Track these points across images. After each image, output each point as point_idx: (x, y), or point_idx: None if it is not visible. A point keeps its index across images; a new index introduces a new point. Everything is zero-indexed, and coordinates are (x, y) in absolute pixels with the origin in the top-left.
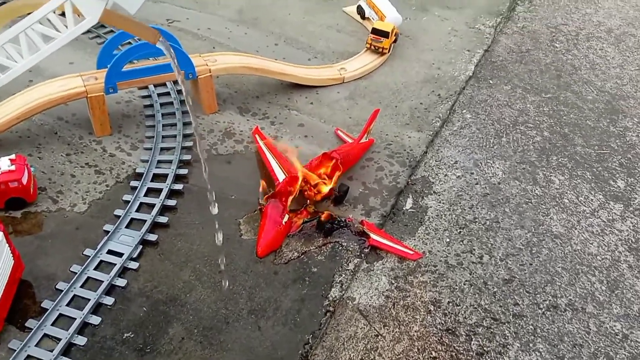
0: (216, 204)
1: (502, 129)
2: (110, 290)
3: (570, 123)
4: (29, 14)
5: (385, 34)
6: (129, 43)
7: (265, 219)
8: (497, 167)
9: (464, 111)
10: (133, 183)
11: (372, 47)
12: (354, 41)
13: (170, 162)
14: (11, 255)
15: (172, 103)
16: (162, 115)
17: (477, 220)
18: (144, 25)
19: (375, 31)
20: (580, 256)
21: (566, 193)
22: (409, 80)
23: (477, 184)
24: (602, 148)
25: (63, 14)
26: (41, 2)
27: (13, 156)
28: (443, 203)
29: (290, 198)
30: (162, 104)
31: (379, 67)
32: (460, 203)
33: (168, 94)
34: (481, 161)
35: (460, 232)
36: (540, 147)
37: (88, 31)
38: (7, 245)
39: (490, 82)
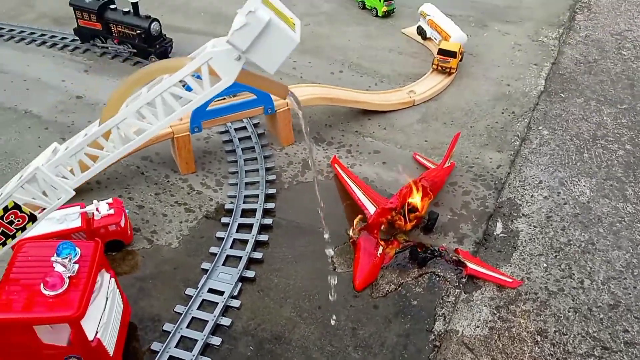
0: (332, 248)
1: (582, 144)
2: (216, 329)
3: None
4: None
5: (452, 54)
6: None
7: (359, 252)
8: (584, 185)
9: (540, 127)
10: (224, 219)
11: (439, 67)
12: (418, 62)
13: (256, 196)
14: (121, 300)
15: (249, 137)
16: (242, 150)
17: (571, 242)
18: (276, 81)
19: (442, 52)
20: None
21: None
22: (479, 99)
23: (565, 203)
24: None
25: None
26: (176, 66)
27: (110, 200)
28: (534, 226)
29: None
30: (240, 139)
31: (448, 88)
32: (551, 225)
33: (245, 128)
34: (566, 179)
35: (556, 256)
36: (625, 161)
37: None
38: (118, 290)
39: (562, 95)
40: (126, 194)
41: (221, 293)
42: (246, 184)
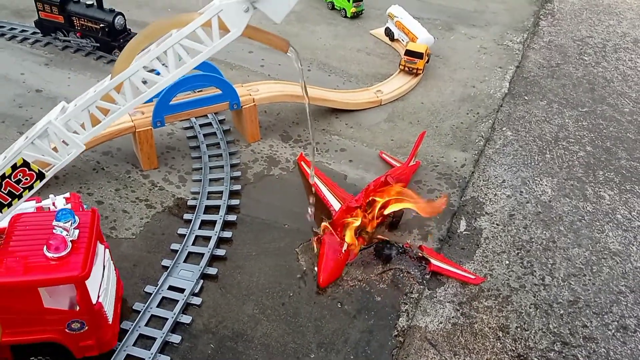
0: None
1: (544, 145)
2: (176, 327)
3: (611, 136)
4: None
5: (419, 55)
6: None
7: (324, 249)
8: (546, 185)
9: (504, 129)
10: (186, 216)
11: (406, 68)
12: (385, 63)
13: (220, 192)
14: (114, 272)
15: (215, 134)
16: (207, 146)
17: (533, 240)
18: (277, 35)
19: (408, 53)
20: None
21: (618, 208)
22: (445, 99)
23: (528, 202)
24: None
25: None
26: (186, 20)
27: (67, 194)
28: (497, 224)
29: (353, 227)
30: (205, 135)
31: (414, 88)
32: (514, 223)
33: (210, 124)
34: (529, 179)
35: (518, 253)
36: (585, 162)
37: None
38: (112, 262)
39: (526, 98)
40: (85, 189)
41: (182, 290)
42: (210, 180)
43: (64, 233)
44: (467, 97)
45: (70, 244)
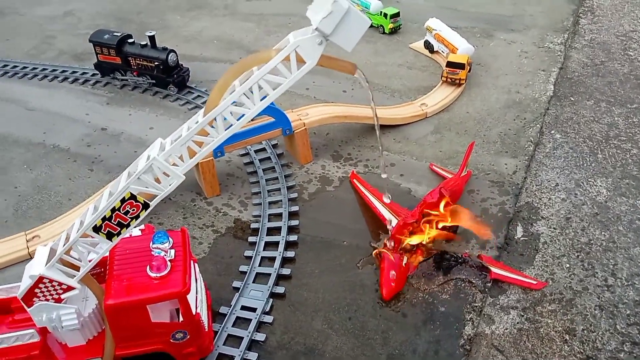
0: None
1: (595, 145)
2: (252, 345)
3: None
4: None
5: (460, 66)
6: None
7: (384, 263)
8: (600, 185)
9: (553, 131)
10: (251, 239)
11: (449, 79)
12: (427, 76)
13: (280, 215)
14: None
15: (269, 158)
16: (264, 170)
17: (592, 242)
18: (346, 61)
19: (450, 64)
20: None
21: None
22: (490, 107)
23: (583, 204)
24: None
25: None
26: (266, 57)
27: (142, 226)
28: (554, 228)
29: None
30: (260, 160)
31: (458, 98)
32: (571, 226)
33: (264, 149)
34: (582, 180)
35: (578, 255)
36: (639, 159)
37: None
38: (200, 275)
39: (572, 99)
40: (155, 219)
41: (254, 310)
42: (269, 203)
43: (163, 254)
44: (513, 103)
45: (169, 264)
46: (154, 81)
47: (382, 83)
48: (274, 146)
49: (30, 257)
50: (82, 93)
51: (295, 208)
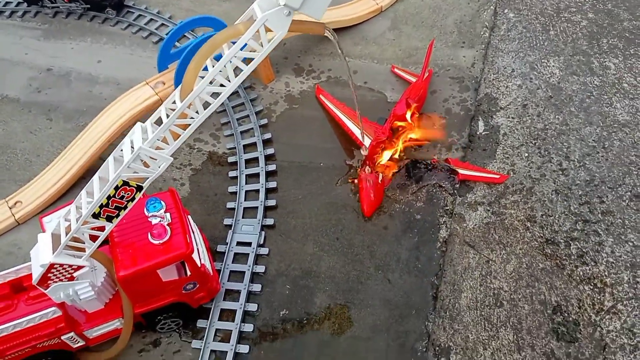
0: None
1: (547, 21)
2: (254, 277)
3: None
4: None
5: None
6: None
7: (362, 182)
8: (553, 65)
9: (506, 10)
10: (231, 173)
11: None
12: None
13: (254, 144)
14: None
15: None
16: (229, 98)
17: (547, 127)
18: (314, 22)
19: None
20: None
21: (624, 77)
22: None
23: (538, 88)
24: None
25: None
26: (235, 33)
27: None
28: (512, 117)
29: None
30: None
31: None
32: (527, 113)
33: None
34: (536, 63)
35: (535, 143)
36: (588, 32)
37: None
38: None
39: None
40: None
41: (249, 244)
42: (242, 132)
43: (160, 220)
44: None
45: (169, 229)
46: (88, 5)
47: None
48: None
49: (18, 223)
50: (12, 28)
51: (268, 135)
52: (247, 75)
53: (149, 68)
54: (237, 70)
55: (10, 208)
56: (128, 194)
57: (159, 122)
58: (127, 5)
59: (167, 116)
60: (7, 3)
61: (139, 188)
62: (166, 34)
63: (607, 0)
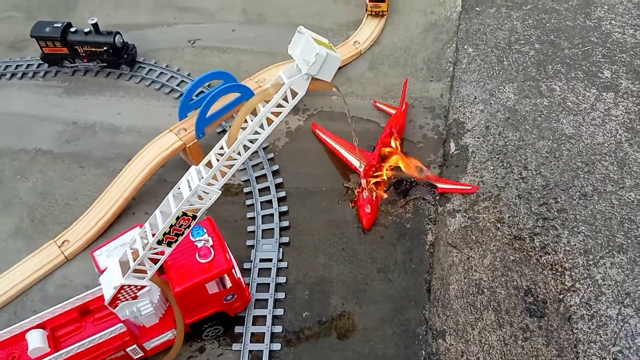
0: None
1: (500, 53)
2: (277, 287)
3: (554, 28)
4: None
5: None
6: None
7: (360, 200)
8: (509, 91)
9: (466, 46)
10: (248, 201)
11: (373, 12)
12: (352, 9)
13: (265, 176)
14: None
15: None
16: None
17: (507, 143)
18: (324, 80)
19: None
20: (592, 148)
21: (567, 97)
22: (412, 33)
23: (497, 111)
24: (585, 44)
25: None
26: (267, 96)
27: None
28: (477, 137)
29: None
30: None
31: (384, 29)
32: (490, 133)
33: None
34: (494, 90)
35: (498, 157)
36: (536, 60)
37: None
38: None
39: (477, 9)
40: (155, 203)
41: (270, 260)
42: (252, 166)
43: (205, 243)
44: (430, 25)
45: (212, 250)
46: (104, 64)
47: (314, 24)
48: None
49: (67, 259)
50: (36, 87)
51: (275, 167)
52: (276, 125)
53: (164, 116)
54: (268, 121)
55: (59, 247)
56: (186, 222)
57: (209, 164)
58: (138, 61)
59: (217, 160)
60: (29, 65)
61: (194, 217)
62: (185, 89)
63: (550, 32)
